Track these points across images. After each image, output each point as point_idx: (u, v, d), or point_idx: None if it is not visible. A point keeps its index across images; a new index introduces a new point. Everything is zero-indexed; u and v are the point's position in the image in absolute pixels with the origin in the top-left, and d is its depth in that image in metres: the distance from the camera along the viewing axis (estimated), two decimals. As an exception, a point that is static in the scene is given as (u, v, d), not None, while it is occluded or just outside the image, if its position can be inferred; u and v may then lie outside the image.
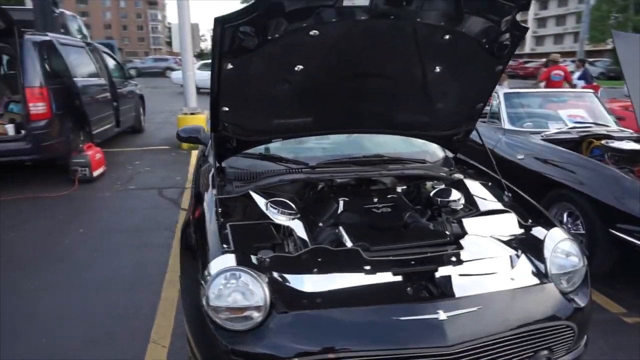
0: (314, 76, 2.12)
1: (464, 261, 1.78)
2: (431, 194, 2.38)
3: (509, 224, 2.07)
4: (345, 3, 1.73)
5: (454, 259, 1.78)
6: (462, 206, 2.28)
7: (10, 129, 5.04)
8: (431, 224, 2.09)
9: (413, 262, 1.76)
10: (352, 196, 2.28)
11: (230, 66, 1.94)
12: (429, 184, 2.53)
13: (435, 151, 2.87)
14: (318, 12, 1.75)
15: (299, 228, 2.07)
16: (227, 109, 2.18)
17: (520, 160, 3.78)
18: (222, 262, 1.65)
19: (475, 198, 2.35)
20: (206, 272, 1.63)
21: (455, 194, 2.36)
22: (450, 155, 2.86)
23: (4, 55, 6.38)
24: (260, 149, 2.60)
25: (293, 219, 2.14)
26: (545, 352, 1.68)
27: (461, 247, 1.85)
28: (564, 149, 3.48)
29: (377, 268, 1.71)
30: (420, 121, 2.53)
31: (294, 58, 1.99)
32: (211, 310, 1.55)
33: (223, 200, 2.11)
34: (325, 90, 2.23)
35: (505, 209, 2.18)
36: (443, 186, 2.46)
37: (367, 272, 1.69)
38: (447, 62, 2.16)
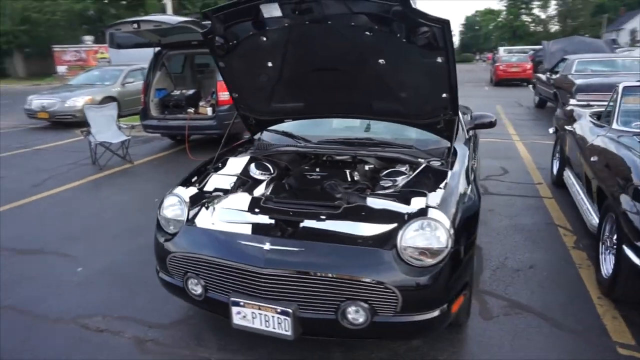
0: (285, 70, 2.74)
1: (329, 220, 2.17)
2: (382, 173, 2.68)
3: (414, 204, 2.25)
4: (265, 16, 2.34)
5: (322, 217, 2.20)
6: (390, 184, 2.53)
7: (209, 110, 7.08)
8: (340, 193, 2.46)
9: (291, 213, 2.27)
10: (312, 166, 2.82)
11: (222, 64, 2.79)
12: (399, 165, 2.79)
13: (437, 141, 2.97)
14: (247, 25, 2.41)
15: (260, 183, 2.78)
16: (236, 95, 3.04)
17: (592, 162, 3.31)
18: (182, 190, 2.55)
19: (424, 182, 2.51)
20: (169, 191, 2.56)
21: (400, 176, 2.61)
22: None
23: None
24: (285, 127, 3.34)
25: (268, 177, 2.86)
26: (364, 304, 1.95)
27: (338, 211, 2.22)
28: (630, 152, 2.92)
29: (263, 212, 2.31)
30: (395, 109, 2.79)
31: (261, 57, 2.68)
32: (160, 215, 2.47)
33: (236, 158, 2.99)
34: (300, 81, 2.82)
35: (422, 191, 2.34)
36: (401, 169, 2.71)
37: (253, 213, 2.31)
38: (385, 55, 2.44)
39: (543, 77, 10.94)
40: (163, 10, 20.99)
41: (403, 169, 2.72)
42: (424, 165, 2.67)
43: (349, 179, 2.67)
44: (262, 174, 2.89)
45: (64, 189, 5.46)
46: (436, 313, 2.01)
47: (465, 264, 2.16)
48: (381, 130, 3.25)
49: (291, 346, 2.37)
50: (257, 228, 2.21)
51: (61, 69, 25.44)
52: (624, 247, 2.42)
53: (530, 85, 12.57)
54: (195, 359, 2.36)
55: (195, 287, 2.24)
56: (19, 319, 2.75)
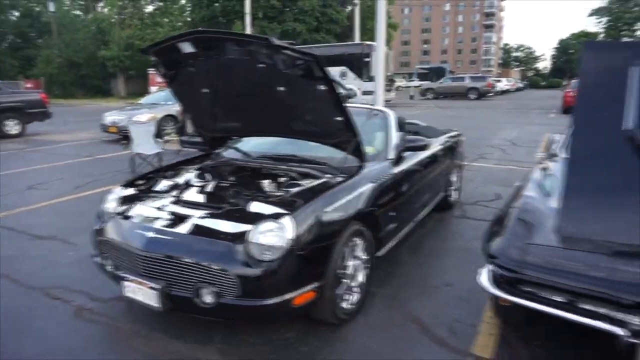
0: (217, 95, 3.28)
1: (210, 218, 2.62)
2: (285, 184, 3.07)
3: (279, 209, 2.61)
4: (183, 52, 2.90)
5: (205, 216, 2.65)
6: (283, 193, 2.90)
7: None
8: (236, 198, 2.88)
9: (186, 212, 2.75)
10: (236, 176, 3.27)
11: (173, 89, 3.41)
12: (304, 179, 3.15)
13: (350, 159, 3.25)
14: (176, 58, 2.98)
15: (195, 188, 3.28)
16: (190, 114, 3.63)
17: (515, 185, 3.38)
18: (119, 190, 3.17)
19: (308, 193, 2.84)
20: (111, 189, 3.18)
21: (296, 187, 2.98)
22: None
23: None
24: (239, 144, 3.86)
25: (205, 183, 3.38)
26: (213, 287, 2.36)
27: (219, 211, 2.66)
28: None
29: (169, 209, 2.82)
30: (308, 130, 3.18)
31: (197, 84, 3.24)
32: (100, 208, 3.09)
33: (187, 167, 3.56)
34: (230, 105, 3.33)
35: (296, 200, 2.69)
36: (304, 182, 3.07)
37: (161, 210, 2.83)
38: (281, 83, 2.87)
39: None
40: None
41: (307, 181, 3.08)
42: (322, 180, 3.01)
43: (258, 188, 3.08)
44: (198, 181, 3.41)
45: (99, 191, 6.44)
46: (272, 301, 2.35)
47: (311, 266, 2.48)
48: (312, 149, 3.60)
49: (184, 326, 2.83)
50: (154, 221, 2.73)
51: (153, 89, 28.52)
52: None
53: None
54: (111, 325, 2.91)
55: (110, 266, 2.80)
56: (6, 285, 3.52)
